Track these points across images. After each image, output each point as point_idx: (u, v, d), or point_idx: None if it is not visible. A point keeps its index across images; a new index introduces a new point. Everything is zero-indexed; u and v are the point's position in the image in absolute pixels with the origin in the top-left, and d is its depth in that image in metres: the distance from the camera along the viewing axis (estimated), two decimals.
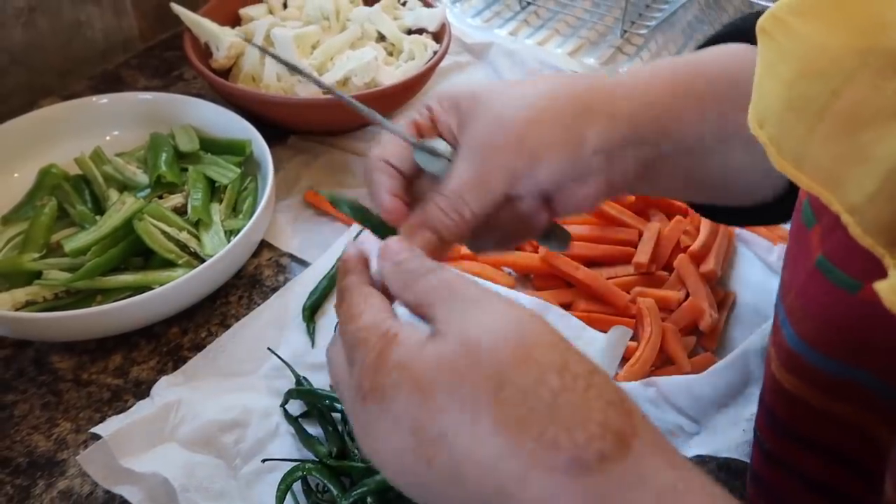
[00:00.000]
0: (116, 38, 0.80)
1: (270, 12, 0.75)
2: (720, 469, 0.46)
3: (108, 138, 0.63)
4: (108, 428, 0.43)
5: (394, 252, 0.31)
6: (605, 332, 0.50)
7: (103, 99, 0.63)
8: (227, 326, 0.53)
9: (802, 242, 0.32)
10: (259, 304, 0.54)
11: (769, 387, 0.35)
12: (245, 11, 0.74)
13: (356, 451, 0.43)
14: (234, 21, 0.74)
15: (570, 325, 0.51)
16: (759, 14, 0.39)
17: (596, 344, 0.49)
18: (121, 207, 0.53)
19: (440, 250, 0.35)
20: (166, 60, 0.81)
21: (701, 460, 0.46)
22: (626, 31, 0.87)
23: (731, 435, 0.46)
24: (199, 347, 0.51)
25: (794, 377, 0.32)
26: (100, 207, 0.57)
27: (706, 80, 0.37)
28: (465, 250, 0.57)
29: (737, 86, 0.37)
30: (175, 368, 0.49)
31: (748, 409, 0.47)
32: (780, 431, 0.35)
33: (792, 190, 0.39)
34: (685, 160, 0.39)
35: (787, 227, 0.62)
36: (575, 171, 0.36)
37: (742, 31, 0.40)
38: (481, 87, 0.37)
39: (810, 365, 0.31)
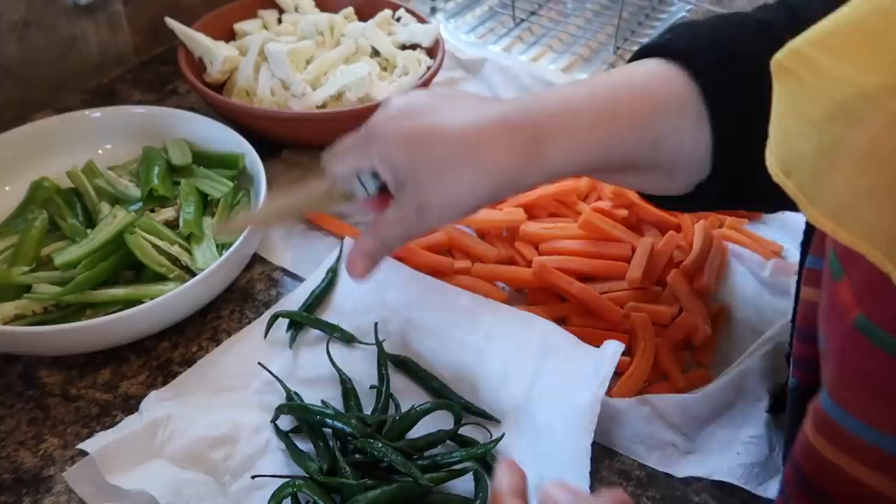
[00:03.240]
0: (111, 53, 0.80)
1: (265, 27, 0.75)
2: (714, 486, 0.45)
3: (100, 152, 0.62)
4: (95, 444, 0.42)
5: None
6: (599, 346, 0.50)
7: (96, 112, 0.63)
8: (219, 341, 0.52)
9: (832, 295, 0.29)
10: (251, 319, 0.54)
11: (802, 448, 0.31)
12: (239, 26, 0.74)
13: (346, 468, 0.43)
14: (229, 36, 0.74)
15: (563, 340, 0.51)
16: (682, 25, 0.44)
17: (589, 359, 0.49)
18: (112, 221, 0.52)
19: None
20: (160, 75, 0.81)
21: (694, 479, 0.46)
22: (618, 48, 0.88)
23: (726, 457, 0.46)
24: (189, 362, 0.51)
25: (830, 444, 0.29)
26: (91, 221, 0.56)
27: (650, 106, 0.42)
28: (458, 264, 0.57)
29: (658, 109, 0.42)
30: (165, 383, 0.49)
31: (744, 431, 0.47)
32: (811, 493, 0.32)
33: (713, 175, 0.43)
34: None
35: (779, 241, 0.62)
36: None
37: (658, 47, 0.44)
38: (422, 142, 0.42)
39: (849, 433, 0.28)
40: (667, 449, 0.47)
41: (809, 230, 0.38)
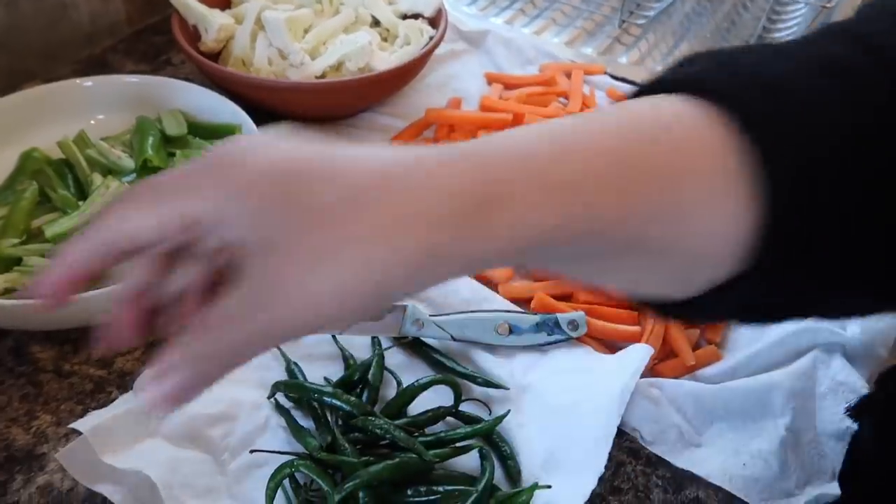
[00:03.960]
0: (103, 22, 0.77)
1: None
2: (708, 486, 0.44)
3: (92, 122, 0.60)
4: (88, 423, 0.41)
5: None
6: (611, 322, 0.49)
7: (88, 82, 0.61)
8: None
9: None
10: None
11: None
12: None
13: (346, 446, 0.41)
14: (224, 3, 0.72)
15: (584, 356, 0.49)
16: (709, 54, 0.30)
17: (614, 363, 0.48)
18: (105, 192, 0.51)
19: None
20: (154, 45, 0.79)
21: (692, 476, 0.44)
22: (623, 21, 0.86)
23: (730, 463, 0.44)
24: None
25: None
26: (83, 192, 0.55)
27: (638, 169, 0.27)
28: None
29: (689, 166, 0.28)
30: None
31: (756, 443, 0.45)
32: None
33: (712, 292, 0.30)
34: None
35: None
36: None
37: (684, 81, 0.30)
38: (298, 180, 0.25)
39: None
40: (671, 434, 0.46)
41: None
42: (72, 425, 0.42)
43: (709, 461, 0.45)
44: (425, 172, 0.25)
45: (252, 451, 0.42)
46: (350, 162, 0.26)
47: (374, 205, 0.25)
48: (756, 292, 0.29)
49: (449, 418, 0.45)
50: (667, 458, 0.45)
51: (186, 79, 0.66)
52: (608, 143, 0.27)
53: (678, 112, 0.28)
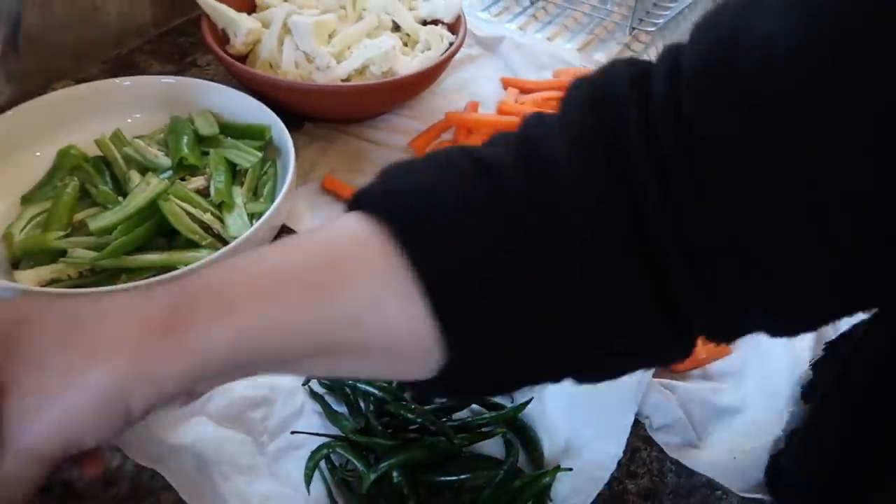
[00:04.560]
0: (130, 23, 0.80)
1: (285, 0, 0.75)
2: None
3: (129, 121, 0.63)
4: None
5: None
6: None
7: (126, 81, 0.63)
8: None
9: None
10: None
11: None
12: None
13: (379, 428, 0.44)
14: (250, 7, 0.74)
15: None
16: (395, 165, 0.32)
17: None
18: (145, 188, 0.53)
19: None
20: (179, 46, 0.81)
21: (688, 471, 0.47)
22: (634, 28, 0.88)
23: (721, 458, 0.46)
24: None
25: None
26: (120, 189, 0.57)
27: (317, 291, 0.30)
28: None
29: (343, 277, 0.30)
30: None
31: (750, 443, 0.47)
32: None
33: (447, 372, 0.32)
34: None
35: None
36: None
37: (354, 198, 0.33)
38: (16, 335, 0.29)
39: None
40: (677, 427, 0.48)
41: None
42: None
43: (701, 455, 0.47)
44: (126, 306, 0.30)
45: (293, 433, 0.45)
46: (56, 311, 0.30)
47: (81, 340, 0.29)
48: (461, 377, 0.32)
49: (473, 406, 0.48)
50: (664, 448, 0.47)
51: (212, 80, 0.69)
52: (278, 266, 0.31)
53: (349, 228, 0.31)
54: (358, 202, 0.32)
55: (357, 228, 0.31)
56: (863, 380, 0.31)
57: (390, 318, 0.30)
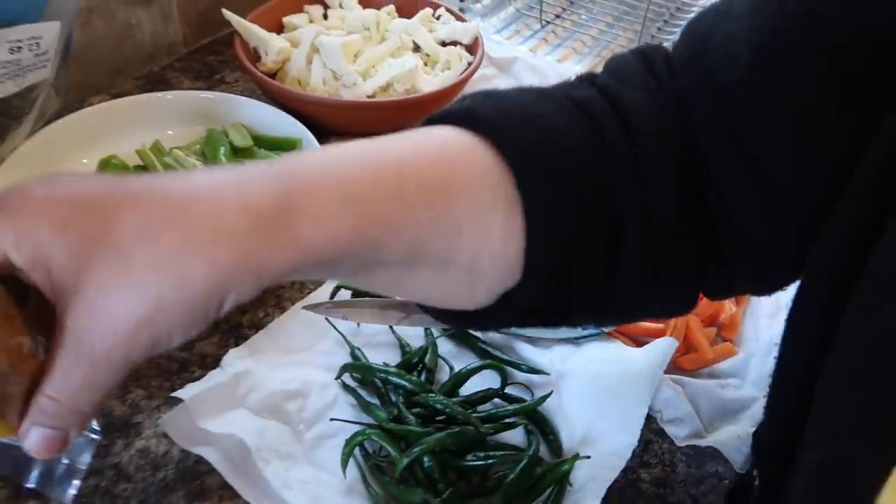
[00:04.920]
0: (162, 42, 0.84)
1: (311, 21, 0.80)
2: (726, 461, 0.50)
3: (169, 132, 0.67)
4: (187, 392, 0.46)
5: None
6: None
7: (168, 95, 0.67)
8: (283, 308, 0.57)
9: None
10: (311, 289, 0.58)
11: None
12: (288, 20, 0.79)
13: (411, 417, 0.47)
14: (278, 28, 0.79)
15: (615, 349, 0.54)
16: (483, 93, 0.35)
17: (642, 354, 0.53)
18: None
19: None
20: (207, 65, 0.85)
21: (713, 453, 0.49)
22: None
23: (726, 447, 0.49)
24: (257, 326, 0.55)
25: None
26: None
27: (415, 189, 0.30)
28: None
29: (458, 184, 0.31)
30: (237, 344, 0.53)
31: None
32: None
33: (505, 299, 0.34)
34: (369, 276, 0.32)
35: None
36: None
37: (456, 114, 0.34)
38: (100, 209, 0.26)
39: None
40: (686, 421, 0.51)
41: None
42: (174, 394, 0.47)
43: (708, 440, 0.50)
44: (232, 190, 0.27)
45: (331, 420, 0.48)
46: (150, 188, 0.27)
47: (174, 226, 0.26)
48: (529, 300, 0.34)
49: (496, 399, 0.51)
50: (674, 440, 0.50)
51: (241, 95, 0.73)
52: (395, 162, 0.31)
53: (452, 139, 0.32)
54: (450, 118, 0.33)
55: (461, 140, 0.32)
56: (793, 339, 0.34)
57: (490, 231, 0.31)
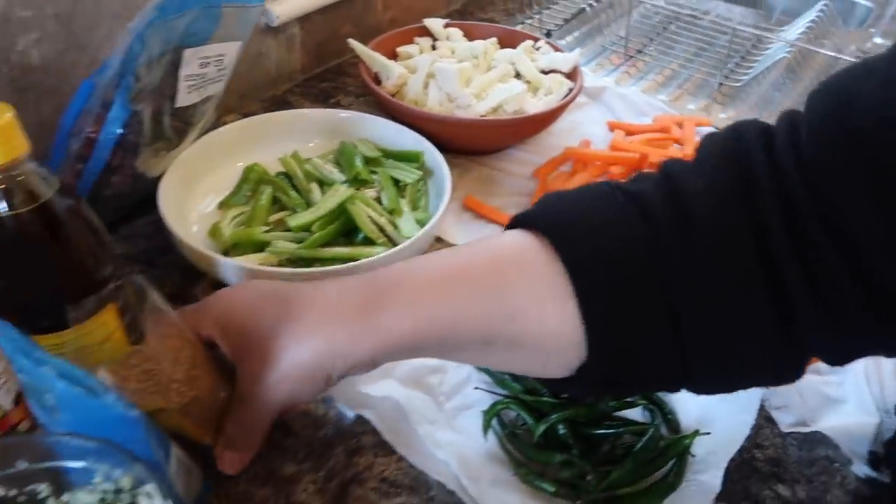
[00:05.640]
0: (285, 69, 0.93)
1: (422, 52, 0.88)
2: (838, 448, 0.53)
3: (311, 144, 0.74)
4: None
5: None
6: None
7: (313, 112, 0.75)
8: None
9: None
10: None
11: None
12: (402, 49, 0.87)
13: (543, 390, 0.52)
14: (392, 57, 0.87)
15: None
16: (549, 195, 0.41)
17: None
18: (335, 193, 0.64)
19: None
20: (323, 90, 0.94)
21: (823, 439, 0.53)
22: (720, 84, 0.98)
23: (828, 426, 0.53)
24: None
25: None
26: (302, 197, 0.68)
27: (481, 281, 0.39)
28: None
29: (506, 276, 0.38)
30: None
31: (858, 422, 0.54)
32: None
33: (588, 367, 0.39)
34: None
35: None
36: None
37: (524, 216, 0.41)
38: (263, 299, 0.42)
39: None
40: (792, 408, 0.55)
41: None
42: None
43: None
44: (325, 297, 0.41)
45: (475, 388, 0.53)
46: (277, 299, 0.41)
47: (292, 323, 0.40)
48: (596, 375, 0.39)
49: None
50: (780, 426, 0.54)
51: None
52: (455, 264, 0.40)
53: (512, 239, 0.40)
54: (518, 222, 0.41)
55: (519, 240, 0.39)
56: None
57: (546, 316, 0.37)
